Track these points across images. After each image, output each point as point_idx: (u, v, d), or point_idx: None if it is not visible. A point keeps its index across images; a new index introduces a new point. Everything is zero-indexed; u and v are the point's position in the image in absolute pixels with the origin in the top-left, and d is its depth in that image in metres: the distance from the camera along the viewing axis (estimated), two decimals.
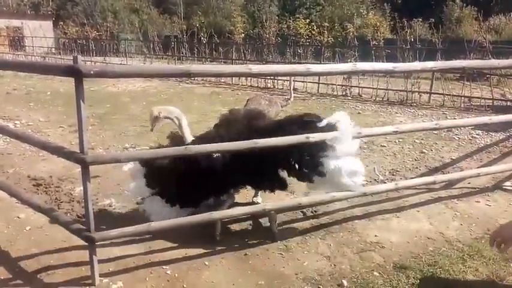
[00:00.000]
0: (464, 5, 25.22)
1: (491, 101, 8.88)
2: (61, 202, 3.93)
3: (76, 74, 2.36)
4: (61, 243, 3.11)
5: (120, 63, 15.02)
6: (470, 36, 13.61)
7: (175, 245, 3.15)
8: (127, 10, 31.76)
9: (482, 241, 3.22)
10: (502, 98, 9.15)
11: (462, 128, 6.46)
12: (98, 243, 2.65)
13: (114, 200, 3.97)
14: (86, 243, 2.65)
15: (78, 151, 2.50)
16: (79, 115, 2.40)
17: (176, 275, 2.79)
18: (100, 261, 2.72)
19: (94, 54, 19.22)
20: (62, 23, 26.63)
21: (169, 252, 3.06)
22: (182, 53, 16.41)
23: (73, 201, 3.94)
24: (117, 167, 4.53)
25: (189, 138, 3.49)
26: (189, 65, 4.74)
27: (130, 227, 2.74)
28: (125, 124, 6.99)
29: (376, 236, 3.34)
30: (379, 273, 2.83)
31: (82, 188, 2.61)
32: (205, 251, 3.10)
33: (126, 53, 18.83)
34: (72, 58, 2.40)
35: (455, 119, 7.32)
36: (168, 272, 2.82)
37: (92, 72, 2.41)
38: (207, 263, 2.95)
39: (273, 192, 3.48)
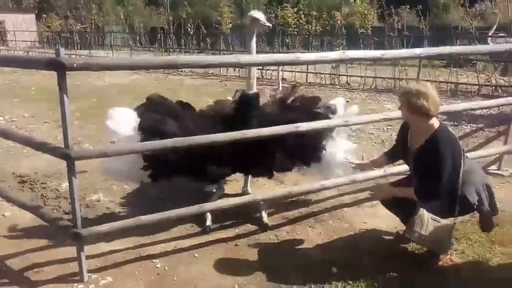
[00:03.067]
0: None
1: (477, 86, 8.97)
2: (47, 199, 3.87)
3: (59, 67, 2.30)
4: (48, 240, 3.07)
5: (106, 56, 14.79)
6: (457, 23, 13.66)
7: (165, 238, 3.14)
8: (112, 2, 31.20)
9: (469, 224, 3.27)
10: (488, 84, 9.25)
11: (448, 114, 6.52)
12: (85, 239, 2.61)
13: (102, 194, 3.93)
14: (74, 240, 2.62)
15: (63, 146, 2.45)
16: (62, 110, 2.35)
17: (166, 268, 2.78)
18: (88, 257, 2.70)
19: (79, 48, 18.88)
20: (45, 16, 26.05)
21: (159, 245, 3.04)
22: (169, 45, 16.21)
23: (59, 197, 3.89)
24: (103, 161, 4.50)
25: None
26: (176, 56, 4.68)
27: (119, 222, 2.72)
28: None
29: (364, 222, 3.37)
30: (369, 260, 2.86)
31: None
32: (196, 243, 3.09)
33: (112, 46, 18.52)
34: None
35: (442, 105, 7.38)
36: (158, 265, 2.81)
37: (75, 65, 2.36)
38: (197, 255, 2.94)
39: (271, 177, 3.47)
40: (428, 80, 9.44)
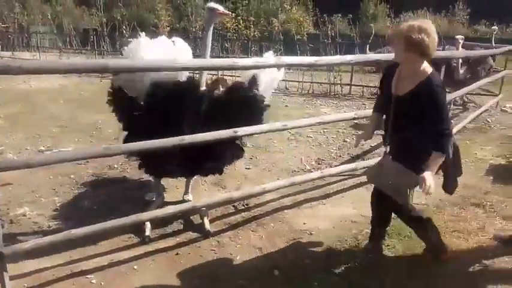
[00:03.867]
0: (379, 2, 27.10)
1: None
2: None
3: None
4: None
5: (33, 59, 13.72)
6: (384, 32, 14.66)
7: (101, 251, 2.97)
8: (38, 0, 29.05)
9: (399, 220, 3.49)
10: None
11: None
12: (9, 258, 2.39)
13: (29, 208, 3.62)
14: None
15: None
16: None
17: (102, 283, 2.63)
18: (13, 278, 2.47)
19: (1, 49, 17.31)
20: None
21: (94, 260, 2.87)
22: (103, 47, 15.45)
23: None
24: (32, 172, 4.17)
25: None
26: (107, 60, 4.47)
27: (47, 237, 2.53)
28: (40, 125, 6.40)
29: (304, 223, 3.47)
30: (309, 259, 2.95)
31: None
32: (134, 254, 2.97)
33: (38, 47, 17.21)
34: None
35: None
36: (93, 281, 2.65)
37: None
38: (136, 267, 2.82)
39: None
40: (361, 86, 10.02)
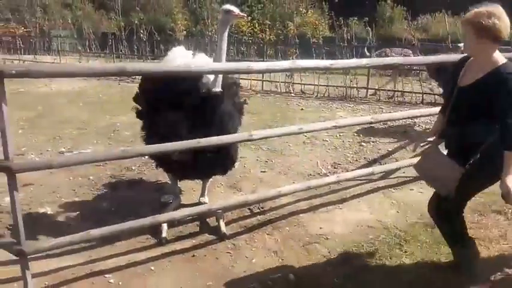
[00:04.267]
0: (395, 4, 26.82)
1: (421, 95, 9.52)
2: None
3: None
4: None
5: (53, 62, 14.06)
6: (401, 34, 14.51)
7: (119, 251, 3.02)
8: (58, 5, 29.75)
9: (417, 226, 3.45)
10: (430, 92, 9.86)
11: (396, 121, 6.87)
12: (30, 256, 2.45)
13: (50, 208, 3.71)
14: (18, 258, 2.45)
15: (3, 158, 2.29)
16: (1, 119, 2.20)
17: (120, 283, 2.67)
18: (35, 276, 2.53)
19: (23, 53, 17.80)
20: None
21: (112, 260, 2.92)
22: (121, 51, 15.74)
23: (2, 212, 3.60)
24: (52, 173, 4.27)
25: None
26: (124, 63, 4.56)
27: (67, 236, 2.58)
28: (60, 127, 6.55)
29: (320, 228, 3.45)
30: (325, 264, 2.93)
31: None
32: (151, 255, 3.00)
33: (59, 51, 17.65)
34: None
35: (390, 112, 7.76)
36: (111, 280, 2.69)
37: (13, 71, 2.23)
38: (153, 268, 2.86)
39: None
40: (377, 89, 9.92)
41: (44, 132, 6.23)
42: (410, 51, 11.17)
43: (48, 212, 3.64)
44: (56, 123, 6.77)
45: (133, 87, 11.32)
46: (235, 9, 3.14)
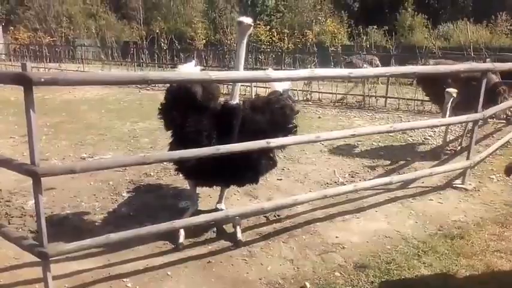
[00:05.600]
0: (416, 13, 26.54)
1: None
2: (12, 217, 3.71)
3: (25, 82, 2.25)
4: (13, 260, 2.94)
5: (77, 70, 14.48)
6: (422, 43, 14.32)
7: (136, 256, 3.07)
8: (83, 15, 30.71)
9: (436, 237, 3.39)
10: None
11: (415, 130, 6.78)
12: (52, 258, 2.52)
13: (71, 212, 3.81)
14: (40, 260, 2.52)
15: (29, 162, 2.38)
16: (29, 125, 2.29)
17: (137, 287, 2.72)
18: (55, 278, 2.60)
19: (48, 61, 18.40)
20: (12, 28, 25.29)
21: (130, 264, 2.97)
22: (142, 59, 16.09)
23: (25, 215, 3.74)
24: (74, 178, 4.39)
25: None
26: (146, 72, 4.66)
27: (87, 240, 2.64)
28: (82, 133, 6.74)
29: (337, 237, 3.42)
30: (340, 273, 2.90)
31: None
32: (168, 260, 3.04)
33: (82, 59, 18.18)
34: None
35: (409, 121, 7.66)
36: (129, 284, 2.74)
37: (42, 79, 2.31)
38: (169, 273, 2.89)
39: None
40: (397, 98, 9.81)
41: (67, 138, 6.42)
42: (377, 58, 11.25)
43: (70, 216, 3.74)
44: (78, 130, 6.97)
45: (153, 94, 11.60)
46: (249, 20, 3.19)
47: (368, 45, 11.72)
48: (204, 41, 18.17)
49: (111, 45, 18.60)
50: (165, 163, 4.87)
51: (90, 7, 31.71)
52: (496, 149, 5.46)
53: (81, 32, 26.66)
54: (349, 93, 10.20)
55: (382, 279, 2.82)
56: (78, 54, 19.65)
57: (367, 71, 4.58)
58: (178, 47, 16.55)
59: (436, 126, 5.28)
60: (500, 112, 7.36)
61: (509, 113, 8.14)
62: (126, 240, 2.88)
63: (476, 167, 4.98)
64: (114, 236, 2.71)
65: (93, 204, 3.99)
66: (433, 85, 5.65)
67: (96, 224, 3.60)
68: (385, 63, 10.91)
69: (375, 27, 18.76)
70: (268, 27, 16.27)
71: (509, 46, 18.41)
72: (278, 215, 3.80)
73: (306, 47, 13.87)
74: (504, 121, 7.91)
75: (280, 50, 13.67)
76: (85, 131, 6.85)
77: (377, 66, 11.84)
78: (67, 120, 7.72)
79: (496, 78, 5.53)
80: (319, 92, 10.84)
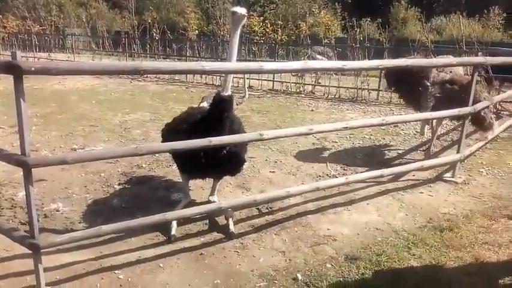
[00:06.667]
0: (409, 6, 26.56)
1: None
2: (2, 209, 3.67)
3: (15, 70, 2.21)
4: (3, 252, 2.92)
5: (67, 60, 14.27)
6: (415, 36, 14.34)
7: (129, 248, 3.07)
8: (73, 3, 30.19)
9: (425, 229, 3.44)
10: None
11: (407, 123, 6.83)
12: (43, 250, 2.51)
13: (62, 204, 3.78)
14: (31, 251, 2.51)
15: (19, 153, 2.35)
16: (19, 115, 2.26)
17: (129, 279, 2.72)
18: (46, 270, 2.59)
19: (38, 50, 18.09)
20: (0, 16, 24.77)
21: (122, 256, 2.97)
22: (134, 50, 15.88)
23: (15, 207, 3.70)
24: (64, 169, 4.36)
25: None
26: (139, 62, 4.60)
27: (79, 232, 2.64)
28: (72, 124, 6.67)
29: (328, 229, 3.45)
30: (332, 265, 2.94)
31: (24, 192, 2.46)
32: (160, 252, 3.04)
33: (73, 49, 17.90)
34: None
35: (400, 114, 7.71)
36: (121, 276, 2.74)
37: (32, 68, 2.28)
38: (161, 265, 2.90)
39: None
40: (389, 91, 9.84)
41: (57, 128, 6.35)
42: (330, 50, 11.96)
43: (61, 208, 3.71)
44: (68, 120, 6.89)
45: (145, 85, 11.50)
46: (242, 10, 3.15)
47: (361, 38, 11.68)
48: (197, 31, 17.94)
49: (102, 34, 18.31)
50: (157, 155, 4.86)
51: None
52: (486, 143, 5.53)
53: (71, 21, 26.18)
54: (342, 86, 10.22)
55: (373, 271, 2.86)
56: (69, 44, 19.34)
57: (361, 63, 4.58)
58: (171, 38, 16.36)
59: (428, 119, 5.31)
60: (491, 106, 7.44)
61: (499, 107, 8.24)
62: (118, 232, 2.87)
63: (466, 161, 5.04)
64: (105, 228, 2.71)
65: (84, 196, 3.96)
66: (407, 87, 5.16)
67: (88, 215, 3.58)
68: (379, 55, 10.90)
69: (369, 19, 18.70)
70: (262, 18, 16.10)
71: (501, 40, 18.57)
72: (270, 207, 3.82)
73: (299, 38, 13.81)
74: (494, 115, 7.99)
75: (273, 42, 13.58)
76: (76, 122, 6.77)
77: (330, 57, 12.14)
78: (57, 111, 7.63)
79: (464, 80, 5.13)
80: (311, 85, 10.85)
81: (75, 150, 5.35)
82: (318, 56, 12.29)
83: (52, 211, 3.65)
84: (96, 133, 6.21)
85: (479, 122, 4.97)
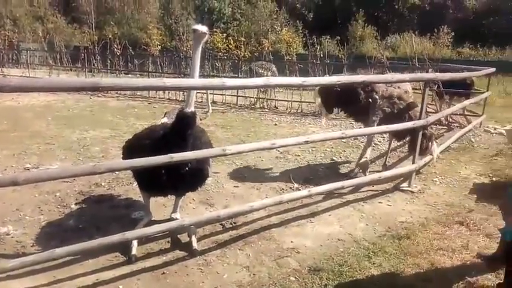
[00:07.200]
0: (366, 24, 27.85)
1: None
2: None
3: None
4: None
5: (21, 75, 13.67)
6: (371, 53, 15.02)
7: (84, 271, 2.93)
8: (29, 17, 29.15)
9: (384, 238, 3.54)
10: None
11: (366, 136, 7.05)
12: None
13: (12, 227, 3.56)
14: None
15: None
16: None
17: None
18: None
19: None
20: None
21: (79, 279, 2.83)
22: (94, 65, 15.50)
23: None
24: (16, 190, 4.12)
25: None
26: (99, 78, 4.50)
27: (31, 256, 2.50)
28: (26, 142, 6.35)
29: (292, 242, 3.48)
30: (295, 277, 2.95)
31: None
32: (120, 273, 2.93)
33: (28, 64, 17.19)
34: None
35: (359, 128, 7.97)
36: None
37: None
38: (121, 286, 2.79)
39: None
40: None
41: (9, 147, 6.02)
42: (273, 65, 12.86)
43: (11, 231, 3.50)
44: (22, 138, 6.56)
45: (105, 101, 11.18)
46: (204, 28, 3.18)
47: (322, 55, 12.07)
48: (160, 47, 17.83)
49: (60, 49, 17.74)
50: (117, 173, 4.72)
51: (37, 9, 30.17)
52: (439, 153, 5.82)
53: (26, 36, 25.23)
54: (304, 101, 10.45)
55: (335, 282, 2.90)
56: (23, 59, 18.56)
57: (321, 79, 4.72)
58: (132, 53, 16.13)
59: (385, 132, 5.54)
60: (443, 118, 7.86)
61: (450, 119, 8.74)
62: (73, 255, 2.75)
63: (421, 170, 5.28)
64: (59, 251, 2.58)
65: (37, 218, 3.76)
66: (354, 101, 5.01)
67: (41, 238, 3.40)
68: (338, 71, 11.30)
69: (328, 37, 19.39)
70: (225, 34, 16.29)
71: (450, 57, 19.80)
72: (234, 223, 3.80)
73: (262, 55, 14.04)
74: (446, 127, 8.47)
75: (236, 58, 13.73)
76: (30, 140, 6.46)
77: (274, 72, 12.75)
78: (9, 129, 7.24)
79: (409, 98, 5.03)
80: (275, 100, 11.02)
81: (28, 169, 5.08)
82: (260, 70, 12.81)
83: (2, 235, 3.43)
84: (52, 151, 5.95)
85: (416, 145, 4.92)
